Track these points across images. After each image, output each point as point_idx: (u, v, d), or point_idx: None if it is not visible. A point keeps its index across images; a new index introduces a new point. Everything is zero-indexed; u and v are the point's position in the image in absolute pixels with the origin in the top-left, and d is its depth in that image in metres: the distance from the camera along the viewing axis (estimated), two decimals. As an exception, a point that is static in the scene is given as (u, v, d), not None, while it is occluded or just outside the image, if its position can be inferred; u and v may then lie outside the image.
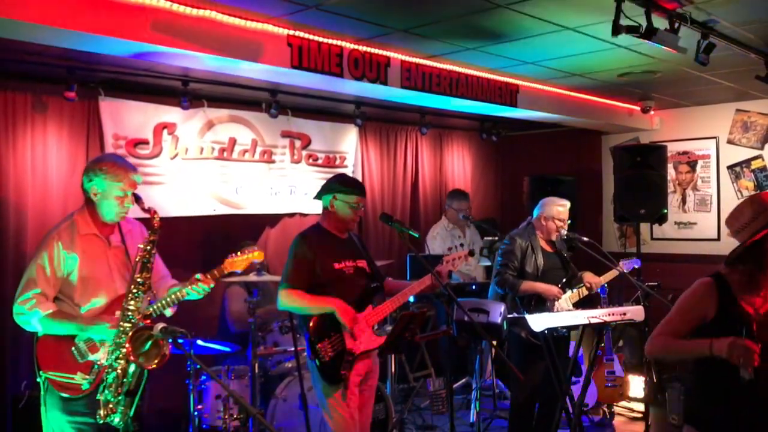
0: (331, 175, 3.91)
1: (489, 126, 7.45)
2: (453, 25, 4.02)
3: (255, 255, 3.37)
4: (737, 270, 2.58)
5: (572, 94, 6.10)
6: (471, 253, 3.84)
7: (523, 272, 4.53)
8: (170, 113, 5.20)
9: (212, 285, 3.20)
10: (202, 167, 5.42)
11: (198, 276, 3.18)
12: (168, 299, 3.12)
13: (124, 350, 2.88)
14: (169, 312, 3.25)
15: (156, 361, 2.68)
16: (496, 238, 6.23)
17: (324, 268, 3.57)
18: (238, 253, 3.36)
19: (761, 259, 2.53)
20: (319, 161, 6.22)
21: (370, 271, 3.78)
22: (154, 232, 3.09)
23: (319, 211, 5.98)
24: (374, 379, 3.79)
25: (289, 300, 3.53)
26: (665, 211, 6.27)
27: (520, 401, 4.62)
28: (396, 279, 4.05)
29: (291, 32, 4.05)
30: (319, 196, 3.76)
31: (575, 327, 3.92)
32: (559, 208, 4.60)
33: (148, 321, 3.01)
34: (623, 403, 5.83)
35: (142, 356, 2.66)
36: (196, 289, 3.15)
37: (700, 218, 6.83)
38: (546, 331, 3.85)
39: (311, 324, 3.49)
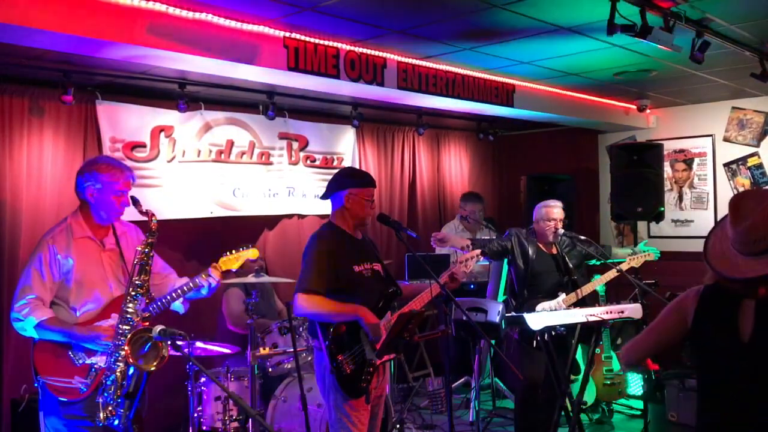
0: (329, 176, 3.72)
1: (486, 126, 7.46)
2: (449, 25, 4.03)
3: (249, 253, 3.40)
4: None
5: (568, 93, 6.11)
6: (484, 252, 3.75)
7: (515, 264, 4.63)
8: (167, 116, 5.21)
9: (219, 278, 3.31)
10: (199, 169, 5.42)
11: (212, 266, 3.33)
12: (173, 294, 3.18)
13: (122, 353, 2.88)
14: (180, 306, 3.30)
15: (155, 364, 2.69)
16: (493, 237, 6.23)
17: (344, 271, 3.34)
18: (233, 251, 3.39)
19: None
20: (317, 162, 6.22)
21: (384, 274, 3.55)
22: (152, 235, 3.10)
23: (318, 211, 6.11)
24: (384, 389, 3.61)
25: (308, 306, 3.26)
26: (662, 209, 6.29)
27: (523, 398, 4.64)
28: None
29: (287, 34, 4.05)
30: (328, 195, 3.52)
31: (573, 325, 3.93)
32: (546, 208, 4.63)
33: (147, 323, 3.02)
34: (622, 401, 5.84)
35: (141, 358, 2.67)
36: (207, 280, 3.26)
37: (697, 216, 6.85)
38: (545, 334, 3.87)
39: (332, 334, 3.27)
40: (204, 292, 3.30)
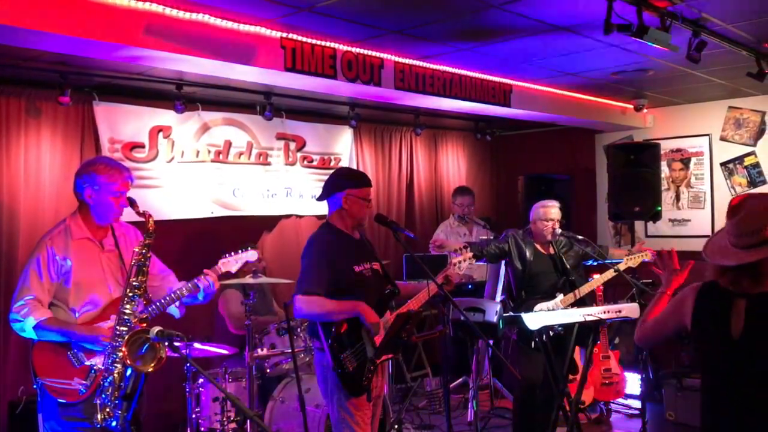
0: (326, 177, 3.71)
1: (483, 126, 7.46)
2: (446, 25, 4.03)
3: (249, 255, 3.39)
4: None
5: (565, 93, 6.11)
6: (476, 256, 3.75)
7: (513, 265, 4.63)
8: (165, 116, 5.21)
9: (216, 280, 3.28)
10: (198, 170, 5.42)
11: (205, 271, 3.29)
12: (172, 296, 3.17)
13: (120, 354, 2.88)
14: (175, 311, 3.29)
15: (153, 365, 2.69)
16: (491, 237, 6.24)
17: (345, 272, 3.37)
18: (232, 253, 3.39)
19: None
20: (314, 163, 6.22)
21: (383, 273, 3.58)
22: (149, 236, 3.10)
23: (315, 212, 6.10)
24: (382, 389, 3.63)
25: (308, 307, 3.29)
26: (659, 208, 6.30)
27: (521, 398, 4.64)
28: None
29: (284, 35, 4.05)
30: (326, 197, 3.54)
31: (570, 325, 3.93)
32: (544, 208, 4.64)
33: (145, 324, 3.02)
34: (620, 401, 5.84)
35: (138, 360, 2.67)
36: (203, 282, 3.23)
37: (694, 215, 6.85)
38: (543, 334, 3.87)
39: (333, 332, 3.28)
40: (200, 297, 3.28)
